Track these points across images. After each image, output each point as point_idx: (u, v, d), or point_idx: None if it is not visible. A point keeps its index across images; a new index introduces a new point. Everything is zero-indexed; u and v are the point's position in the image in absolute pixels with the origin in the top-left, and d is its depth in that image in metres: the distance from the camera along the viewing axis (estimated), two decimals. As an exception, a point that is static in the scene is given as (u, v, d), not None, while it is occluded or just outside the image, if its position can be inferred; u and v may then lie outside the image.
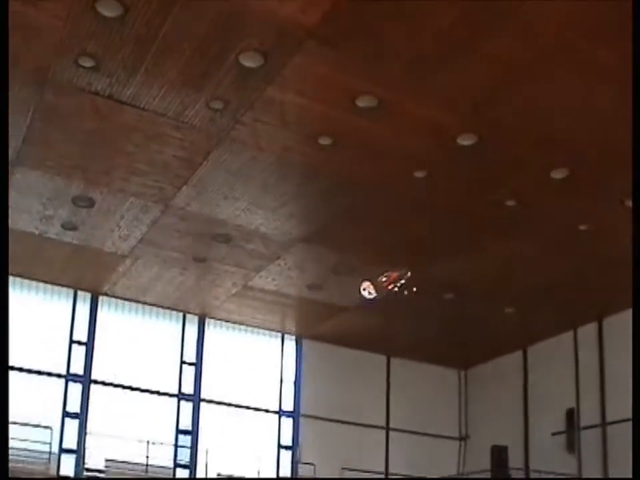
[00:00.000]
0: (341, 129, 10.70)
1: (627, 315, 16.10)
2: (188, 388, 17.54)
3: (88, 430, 16.05)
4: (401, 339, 18.50)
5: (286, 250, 14.35)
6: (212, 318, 18.00)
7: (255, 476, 17.21)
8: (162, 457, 16.66)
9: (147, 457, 16.27)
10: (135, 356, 17.12)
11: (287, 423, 18.41)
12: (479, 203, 12.58)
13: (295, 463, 18.01)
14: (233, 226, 13.54)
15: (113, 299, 17.02)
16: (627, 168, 11.18)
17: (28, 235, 13.99)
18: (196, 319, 17.91)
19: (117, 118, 10.65)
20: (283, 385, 18.57)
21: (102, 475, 15.75)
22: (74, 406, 16.15)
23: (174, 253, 14.72)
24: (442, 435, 19.71)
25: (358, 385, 19.01)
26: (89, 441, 16.00)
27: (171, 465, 16.81)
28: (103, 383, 16.64)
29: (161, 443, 16.73)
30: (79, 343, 16.63)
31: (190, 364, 17.71)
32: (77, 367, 16.50)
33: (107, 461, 15.97)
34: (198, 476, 16.94)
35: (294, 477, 17.87)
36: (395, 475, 18.74)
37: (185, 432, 17.23)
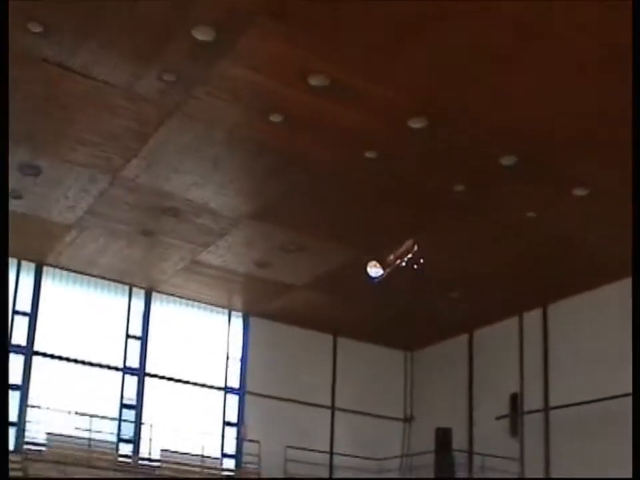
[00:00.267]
0: (293, 107, 10.66)
1: (572, 301, 16.49)
2: (133, 362, 17.39)
3: (29, 402, 15.80)
4: (348, 319, 18.55)
5: (234, 226, 14.28)
6: (159, 292, 17.83)
7: (199, 452, 17.17)
8: (105, 431, 16.50)
9: (90, 430, 16.07)
10: (79, 328, 16.85)
11: (233, 399, 18.38)
12: (428, 186, 12.63)
13: (239, 440, 18.02)
14: (182, 200, 13.43)
15: (58, 270, 16.74)
16: (575, 157, 11.44)
17: (-30, 201, 13.74)
18: (142, 292, 17.73)
19: (66, 86, 10.45)
20: (229, 361, 18.53)
21: (43, 449, 15.53)
22: (16, 378, 15.71)
23: (121, 225, 14.54)
24: (387, 416, 19.81)
25: (304, 364, 19.02)
26: (30, 413, 15.74)
27: (114, 439, 16.65)
28: (46, 355, 16.38)
29: (105, 417, 16.55)
30: (23, 313, 16.34)
31: (135, 338, 17.53)
32: (20, 339, 16.19)
33: (47, 434, 15.74)
34: (141, 450, 16.87)
35: (238, 453, 17.90)
36: (340, 454, 18.85)
37: (129, 406, 17.08)
